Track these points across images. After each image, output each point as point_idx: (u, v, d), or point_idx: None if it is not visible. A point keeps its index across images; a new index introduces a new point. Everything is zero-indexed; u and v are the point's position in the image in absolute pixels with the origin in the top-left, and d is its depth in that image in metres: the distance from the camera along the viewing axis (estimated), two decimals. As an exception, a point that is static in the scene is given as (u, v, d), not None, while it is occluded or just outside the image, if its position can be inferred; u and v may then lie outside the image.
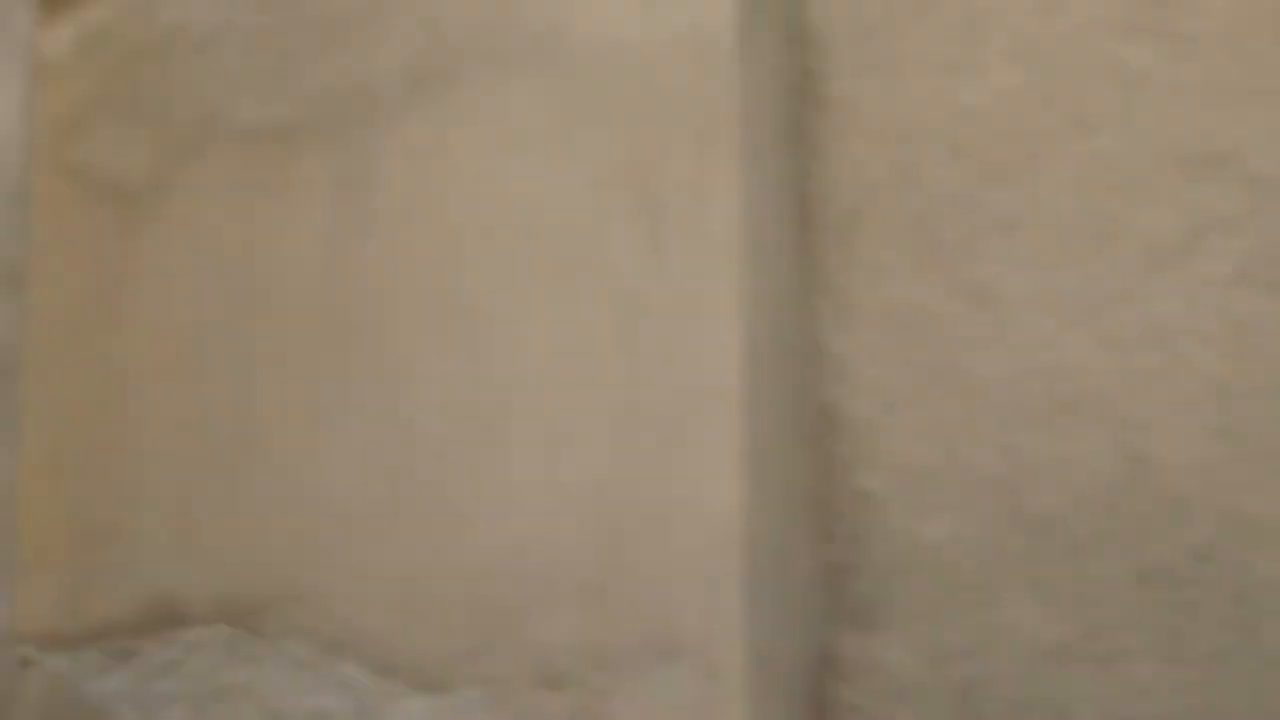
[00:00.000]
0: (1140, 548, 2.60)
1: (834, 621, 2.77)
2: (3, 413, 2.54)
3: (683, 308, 2.69)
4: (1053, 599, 2.66)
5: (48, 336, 3.17)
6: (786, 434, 2.76)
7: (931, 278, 2.74)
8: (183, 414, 3.13)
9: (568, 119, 2.87)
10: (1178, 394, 2.61)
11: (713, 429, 2.64)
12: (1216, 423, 2.60)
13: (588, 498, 2.73)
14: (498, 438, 2.81)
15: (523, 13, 2.95)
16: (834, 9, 2.91)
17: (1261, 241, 2.59)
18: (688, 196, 2.73)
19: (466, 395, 2.86)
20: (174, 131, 3.25)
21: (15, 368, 2.58)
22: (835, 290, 2.79)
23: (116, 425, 3.19)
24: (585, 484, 2.73)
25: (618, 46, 2.85)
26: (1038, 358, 2.68)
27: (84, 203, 3.27)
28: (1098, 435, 2.65)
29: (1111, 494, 2.65)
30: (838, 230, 2.81)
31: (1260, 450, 2.57)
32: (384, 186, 3.01)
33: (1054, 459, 2.67)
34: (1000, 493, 2.69)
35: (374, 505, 2.91)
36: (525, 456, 2.78)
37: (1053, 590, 2.66)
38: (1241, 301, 2.60)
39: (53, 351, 3.18)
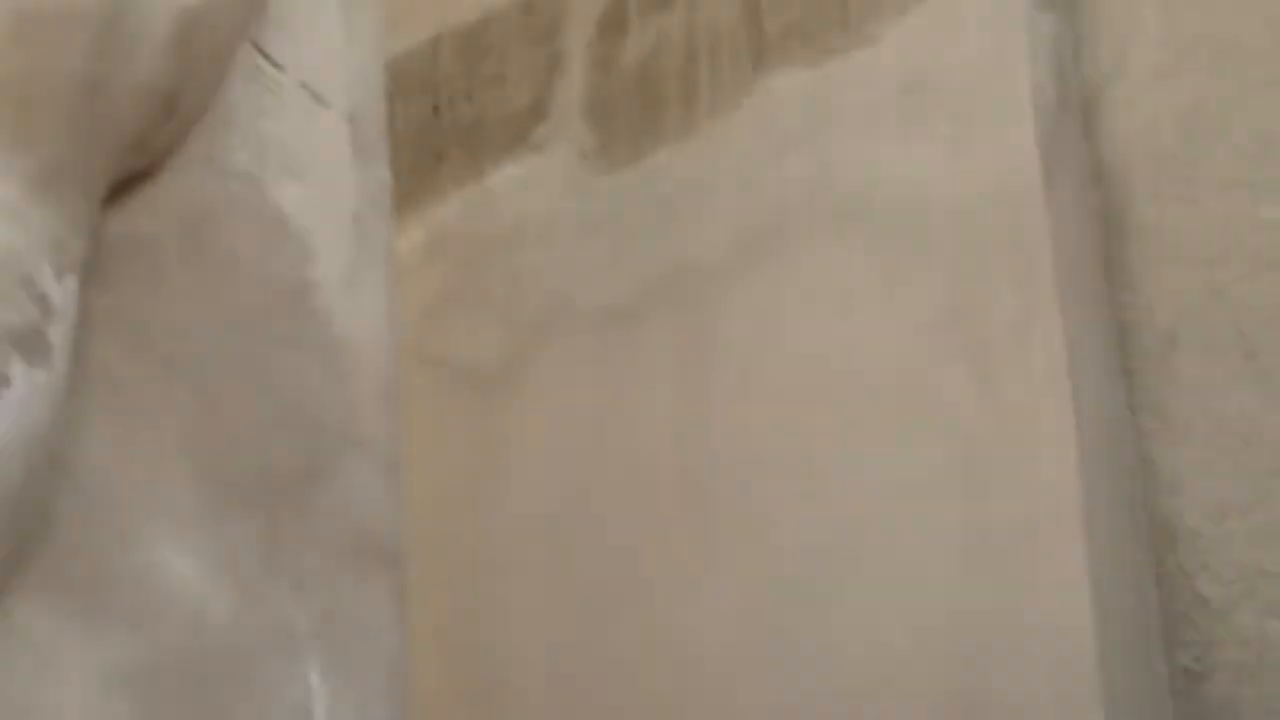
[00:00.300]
0: None
1: (1190, 727, 2.82)
2: (393, 601, 2.72)
3: (1016, 438, 2.77)
4: None
5: (420, 518, 3.38)
6: (1127, 549, 2.80)
7: (1252, 390, 2.76)
8: (554, 580, 3.25)
9: (890, 272, 2.99)
10: None
11: (1057, 552, 2.70)
12: None
13: (942, 629, 2.78)
14: (854, 578, 2.88)
15: (837, 176, 3.10)
16: (1130, 142, 2.99)
17: None
18: (1011, 335, 2.82)
19: (821, 540, 2.93)
20: (523, 318, 3.44)
21: (402, 554, 2.78)
22: (1161, 409, 2.84)
23: (493, 597, 3.33)
24: (939, 616, 2.79)
25: (930, 199, 2.98)
26: (1363, 460, 2.72)
27: (444, 390, 3.45)
28: None
29: None
30: (1157, 351, 2.86)
31: None
32: (724, 350, 3.14)
33: (1390, 555, 2.70)
34: (1342, 590, 2.71)
35: (743, 653, 2.98)
36: (881, 593, 2.85)
37: None
38: None
39: (426, 532, 3.38)
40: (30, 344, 2.33)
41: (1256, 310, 2.80)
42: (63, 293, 2.41)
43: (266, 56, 2.84)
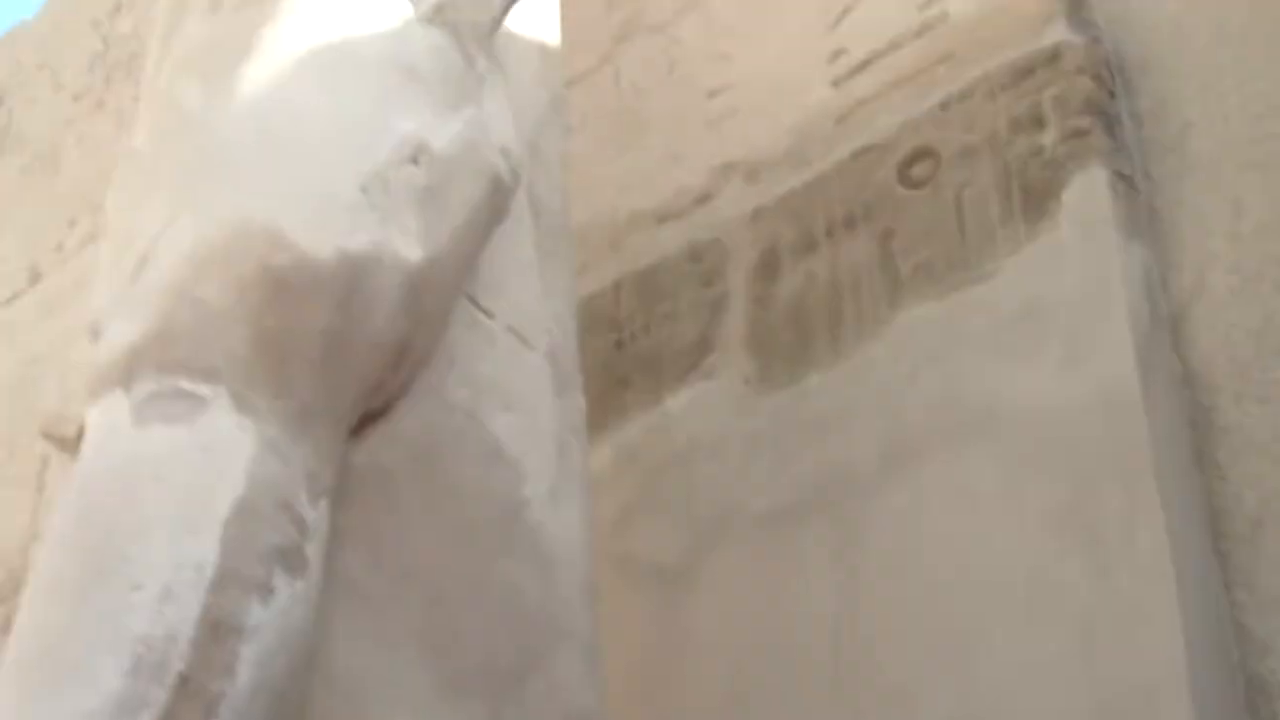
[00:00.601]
0: None
1: None
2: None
3: (1129, 614, 2.84)
4: None
5: (613, 695, 3.48)
6: (1227, 704, 2.84)
7: (1331, 569, 2.81)
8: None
9: (1013, 475, 3.09)
10: None
11: (1168, 709, 2.76)
12: None
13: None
14: (991, 741, 2.93)
15: (964, 393, 3.23)
16: (1212, 353, 3.11)
17: None
18: (1120, 524, 2.91)
19: (959, 708, 3.00)
20: (698, 522, 3.56)
21: (600, 728, 2.93)
22: (1251, 583, 2.90)
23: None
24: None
25: (1045, 409, 3.09)
26: None
27: (631, 586, 3.56)
28: None
29: None
30: (1246, 534, 2.93)
31: None
32: (872, 547, 3.24)
33: None
34: None
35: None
36: (1014, 752, 2.89)
37: None
38: None
39: (618, 707, 3.36)
40: (291, 559, 2.55)
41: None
42: (316, 515, 2.64)
43: (479, 307, 3.06)
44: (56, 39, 6.93)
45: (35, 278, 6.01)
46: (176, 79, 3.17)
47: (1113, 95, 3.45)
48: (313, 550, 2.62)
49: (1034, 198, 3.35)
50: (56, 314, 5.68)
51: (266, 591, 2.51)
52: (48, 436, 3.37)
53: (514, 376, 3.09)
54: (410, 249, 2.81)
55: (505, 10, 3.22)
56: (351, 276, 2.75)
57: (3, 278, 6.16)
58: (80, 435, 2.97)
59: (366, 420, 2.82)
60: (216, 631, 2.42)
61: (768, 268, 3.75)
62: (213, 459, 2.58)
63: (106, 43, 6.60)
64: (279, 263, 2.71)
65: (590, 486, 3.24)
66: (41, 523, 5.18)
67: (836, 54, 3.89)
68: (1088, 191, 3.29)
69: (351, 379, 2.77)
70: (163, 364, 2.67)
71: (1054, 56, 3.48)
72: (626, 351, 3.93)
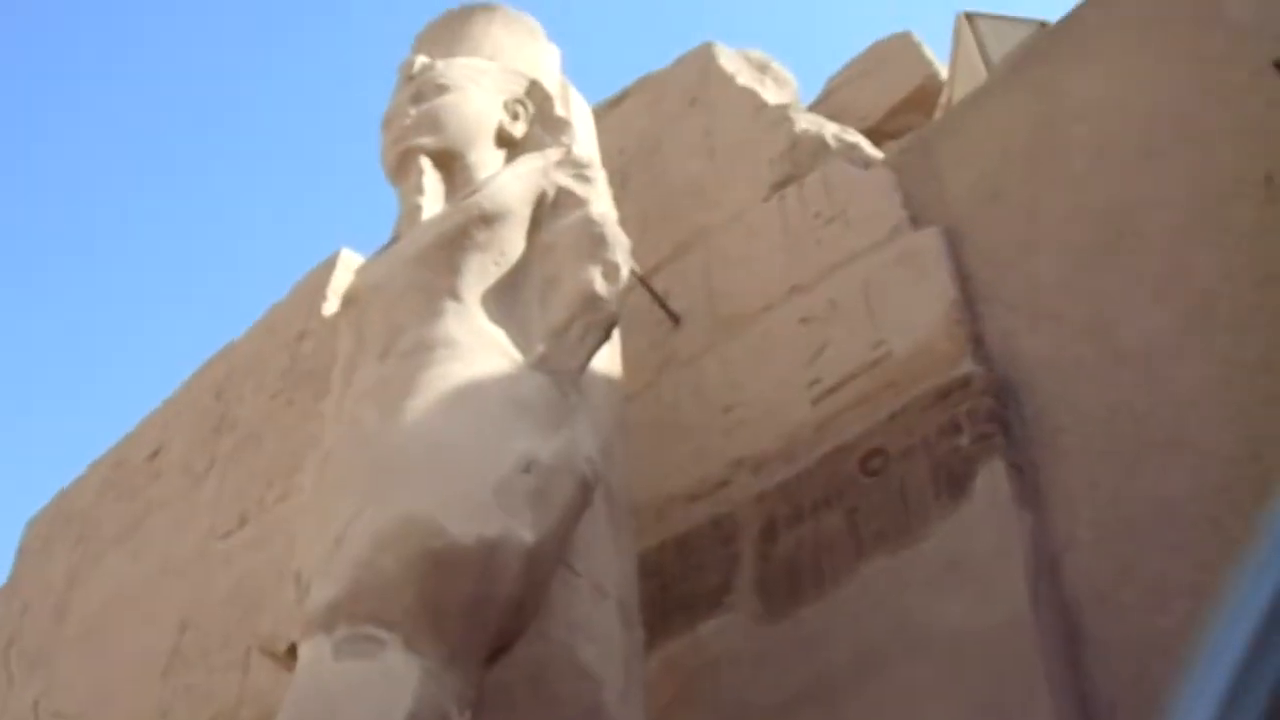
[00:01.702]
0: None
1: None
2: None
3: None
4: None
5: None
6: None
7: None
8: None
9: (947, 677, 3.12)
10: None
11: None
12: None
13: None
14: None
15: (911, 621, 3.29)
16: (1082, 588, 3.13)
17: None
18: (1021, 710, 2.94)
19: None
20: (721, 715, 3.55)
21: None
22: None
23: None
24: None
25: (967, 631, 3.16)
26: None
27: None
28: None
29: None
30: (1105, 714, 2.93)
31: None
32: None
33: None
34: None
35: None
36: None
37: None
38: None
39: None
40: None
41: (1169, 688, 2.90)
42: (463, 724, 2.73)
43: (572, 569, 3.15)
44: (258, 355, 7.09)
45: (243, 522, 6.10)
46: (358, 405, 3.30)
47: (1006, 408, 3.55)
48: (461, 749, 2.69)
49: (956, 482, 3.44)
50: (258, 549, 5.76)
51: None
52: (264, 651, 3.45)
53: (595, 618, 3.17)
54: (526, 534, 2.90)
55: (588, 359, 3.35)
56: (487, 556, 2.84)
57: (222, 520, 6.25)
58: (287, 651, 3.06)
59: (495, 653, 2.90)
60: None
61: (769, 534, 3.82)
62: (391, 684, 2.67)
63: (294, 359, 6.76)
64: (436, 546, 2.82)
65: (645, 689, 3.29)
66: (247, 694, 5.21)
67: (814, 382, 4.01)
68: (992, 477, 3.39)
69: (487, 626, 2.86)
70: (354, 615, 2.78)
71: (965, 382, 3.61)
72: (669, 593, 3.95)
